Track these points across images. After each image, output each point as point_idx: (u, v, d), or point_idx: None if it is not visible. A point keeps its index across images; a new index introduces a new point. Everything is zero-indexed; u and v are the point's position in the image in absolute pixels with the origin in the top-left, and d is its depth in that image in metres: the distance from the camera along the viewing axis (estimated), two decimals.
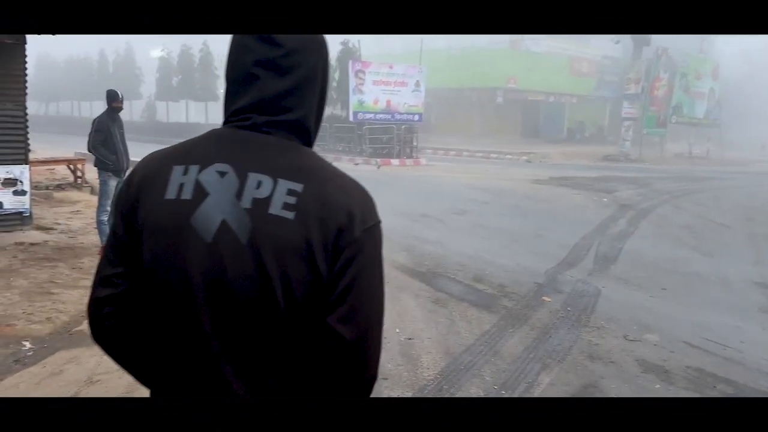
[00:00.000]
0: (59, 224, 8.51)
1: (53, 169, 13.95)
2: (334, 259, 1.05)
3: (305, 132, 1.16)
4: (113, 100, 6.73)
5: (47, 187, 11.46)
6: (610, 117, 40.32)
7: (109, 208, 6.89)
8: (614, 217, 10.76)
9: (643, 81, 26.55)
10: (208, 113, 34.48)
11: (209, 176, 1.07)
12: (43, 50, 45.43)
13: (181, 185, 1.08)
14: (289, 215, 1.03)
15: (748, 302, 6.04)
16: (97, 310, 1.15)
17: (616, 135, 32.97)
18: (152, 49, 39.43)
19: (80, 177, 12.10)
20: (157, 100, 37.43)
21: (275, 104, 1.11)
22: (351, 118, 24.14)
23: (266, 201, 1.04)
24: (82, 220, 8.86)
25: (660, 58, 26.85)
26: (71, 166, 12.21)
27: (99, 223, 6.89)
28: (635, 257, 7.73)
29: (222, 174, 1.07)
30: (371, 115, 23.42)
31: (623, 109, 27.26)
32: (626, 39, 27.95)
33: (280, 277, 1.03)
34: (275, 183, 1.05)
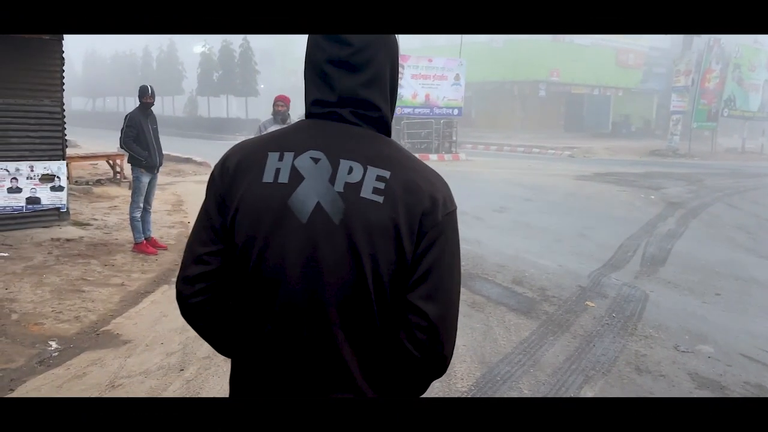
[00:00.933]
0: (96, 220, 8.54)
1: (96, 164, 14.15)
2: (418, 241, 1.13)
3: (384, 124, 1.24)
4: (143, 95, 6.66)
5: (87, 183, 11.59)
6: (657, 110, 39.06)
7: (141, 205, 6.85)
8: (662, 215, 10.27)
9: (694, 73, 25.53)
10: (248, 108, 34.74)
11: (304, 162, 1.15)
12: (91, 47, 46.62)
13: (278, 170, 1.15)
14: (379, 199, 1.12)
15: None
16: (188, 288, 1.21)
17: (664, 129, 31.89)
18: (194, 46, 39.96)
19: (119, 172, 12.21)
20: (199, 95, 37.79)
21: (354, 99, 1.19)
22: None
23: (358, 185, 1.13)
24: (118, 215, 8.88)
25: (712, 49, 25.75)
26: (110, 162, 12.32)
27: (132, 219, 6.84)
28: (686, 259, 7.31)
29: (316, 160, 1.15)
30: (410, 110, 23.17)
31: (672, 102, 26.31)
32: None
33: (369, 255, 1.11)
34: (365, 169, 1.14)
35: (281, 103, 7.00)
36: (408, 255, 1.13)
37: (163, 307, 5.18)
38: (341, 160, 1.15)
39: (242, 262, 1.18)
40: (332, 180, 1.14)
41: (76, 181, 11.32)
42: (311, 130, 1.21)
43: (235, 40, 34.41)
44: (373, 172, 1.14)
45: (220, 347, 1.31)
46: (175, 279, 5.41)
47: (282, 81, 42.92)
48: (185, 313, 1.26)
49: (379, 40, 1.21)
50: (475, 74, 29.37)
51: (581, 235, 8.68)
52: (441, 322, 1.14)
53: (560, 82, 35.18)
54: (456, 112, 23.89)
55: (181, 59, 39.86)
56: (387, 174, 1.14)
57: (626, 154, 25.50)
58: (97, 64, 45.77)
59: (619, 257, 7.34)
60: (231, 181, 1.19)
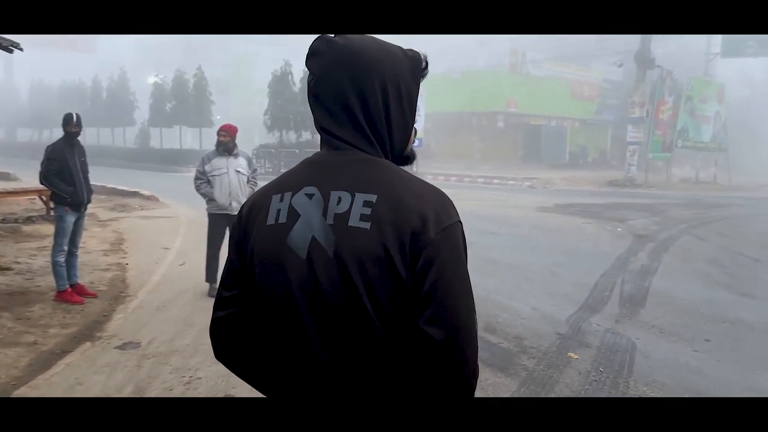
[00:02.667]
0: (18, 263, 7.62)
1: (34, 199, 13.10)
2: (414, 263, 1.10)
3: (372, 149, 1.21)
4: (67, 123, 5.88)
5: (16, 220, 10.60)
6: (612, 141, 39.69)
7: (66, 248, 6.02)
8: (633, 249, 9.88)
9: (648, 104, 25.87)
10: (203, 139, 33.71)
11: (300, 199, 1.18)
12: (37, 76, 44.96)
13: (278, 211, 1.20)
14: (366, 225, 1.11)
15: None
16: (216, 330, 1.30)
17: (619, 159, 32.26)
18: (147, 75, 38.89)
19: (53, 209, 11.22)
20: (151, 126, 36.57)
21: (328, 130, 1.21)
22: None
23: (345, 215, 1.13)
24: (46, 257, 7.95)
25: (664, 81, 26.19)
26: (43, 197, 11.33)
27: (54, 264, 6.01)
28: (665, 299, 6.84)
29: (310, 196, 1.17)
30: None
31: (628, 133, 26.55)
32: (629, 62, 27.39)
33: (364, 285, 1.10)
34: (353, 197, 1.14)
35: (224, 134, 6.33)
36: (405, 278, 1.10)
37: (79, 372, 4.37)
38: (332, 192, 1.15)
39: (260, 302, 1.22)
40: (324, 213, 1.14)
41: (4, 219, 10.34)
42: (309, 165, 1.23)
43: (189, 69, 33.55)
44: (360, 198, 1.13)
45: (258, 385, 1.31)
46: (100, 333, 4.58)
47: (239, 111, 42.18)
48: (217, 354, 1.32)
49: (339, 67, 1.18)
50: (435, 105, 29.26)
51: (552, 272, 8.17)
52: (452, 343, 1.09)
53: (518, 113, 35.41)
54: (416, 143, 23.50)
55: (133, 89, 38.70)
56: (373, 198, 1.12)
57: (584, 184, 25.54)
58: (44, 94, 44.06)
59: (596, 297, 6.83)
60: (245, 227, 1.24)
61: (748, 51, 30.53)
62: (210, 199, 6.47)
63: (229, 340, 1.28)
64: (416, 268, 1.09)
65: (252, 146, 29.03)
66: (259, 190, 1.29)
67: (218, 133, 6.43)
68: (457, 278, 1.11)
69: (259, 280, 1.21)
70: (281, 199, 1.20)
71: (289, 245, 1.16)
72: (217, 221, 6.53)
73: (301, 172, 1.23)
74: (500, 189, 23.39)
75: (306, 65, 1.22)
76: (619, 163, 31.08)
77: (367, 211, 1.11)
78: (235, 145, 6.47)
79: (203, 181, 6.46)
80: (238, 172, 6.44)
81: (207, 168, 6.44)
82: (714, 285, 7.69)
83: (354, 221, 1.11)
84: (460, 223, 1.16)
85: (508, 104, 34.79)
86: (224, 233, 6.56)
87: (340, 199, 1.14)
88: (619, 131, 33.89)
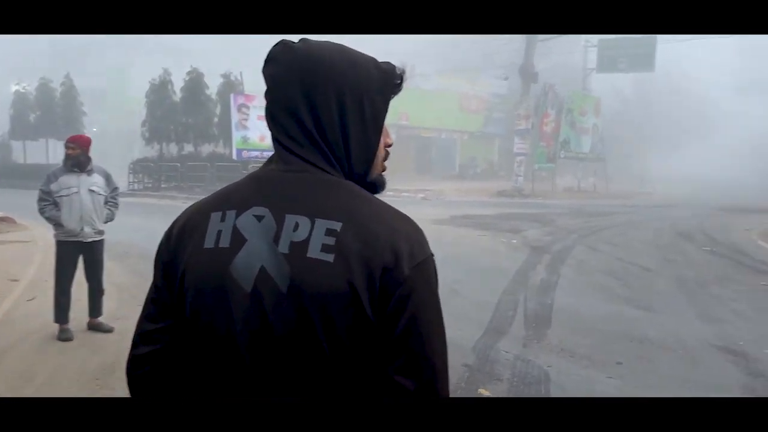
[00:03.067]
0: None
1: None
2: (384, 303, 0.97)
3: (332, 169, 1.06)
4: None
5: None
6: (499, 153, 40.99)
7: None
8: (530, 262, 9.71)
9: (533, 117, 26.77)
10: None
11: (246, 221, 1.03)
12: None
13: (219, 232, 1.04)
14: (329, 258, 0.97)
15: (722, 377, 4.93)
16: (136, 369, 1.12)
17: (507, 170, 33.24)
18: (7, 83, 35.38)
19: None
20: (12, 139, 33.19)
21: (283, 144, 1.07)
22: (234, 156, 22.87)
23: (304, 244, 0.99)
24: None
25: (547, 95, 27.23)
26: None
27: None
28: (570, 317, 6.56)
29: (259, 218, 1.03)
30: (257, 153, 21.99)
31: (515, 144, 27.37)
32: (515, 76, 28.24)
33: (322, 324, 0.96)
34: (313, 223, 0.99)
35: (72, 146, 5.33)
36: (373, 318, 0.96)
37: None
38: (286, 216, 1.00)
39: (191, 335, 1.05)
40: (276, 240, 0.99)
41: None
42: (257, 182, 1.07)
43: (56, 77, 30.80)
44: (321, 225, 0.98)
45: None
46: None
47: (118, 123, 39.54)
48: (134, 395, 1.15)
49: (292, 76, 1.04)
50: None
51: (452, 290, 7.70)
52: (425, 393, 0.97)
53: (409, 125, 35.65)
54: None
55: None
56: (338, 226, 0.97)
57: (475, 194, 25.97)
58: None
59: (500, 318, 6.43)
60: (175, 248, 1.07)
61: (620, 66, 32.48)
62: (57, 224, 5.43)
63: (151, 381, 1.10)
64: (386, 307, 0.97)
65: (131, 160, 27.06)
66: (193, 206, 1.12)
67: (65, 146, 5.41)
68: (431, 321, 1.00)
69: (191, 314, 1.04)
70: (222, 218, 1.04)
71: (232, 274, 1.00)
72: (66, 250, 5.48)
73: (246, 189, 1.07)
74: (395, 201, 22.61)
75: (262, 71, 1.09)
76: (507, 174, 32.00)
77: (331, 240, 0.97)
78: (88, 160, 5.46)
79: (48, 203, 5.41)
80: (92, 191, 5.45)
81: (53, 187, 5.41)
82: (614, 299, 7.56)
83: (314, 252, 0.97)
84: (433, 255, 1.03)
85: (399, 117, 34.89)
86: (75, 264, 5.54)
87: (297, 225, 0.99)
88: (506, 143, 35.02)
